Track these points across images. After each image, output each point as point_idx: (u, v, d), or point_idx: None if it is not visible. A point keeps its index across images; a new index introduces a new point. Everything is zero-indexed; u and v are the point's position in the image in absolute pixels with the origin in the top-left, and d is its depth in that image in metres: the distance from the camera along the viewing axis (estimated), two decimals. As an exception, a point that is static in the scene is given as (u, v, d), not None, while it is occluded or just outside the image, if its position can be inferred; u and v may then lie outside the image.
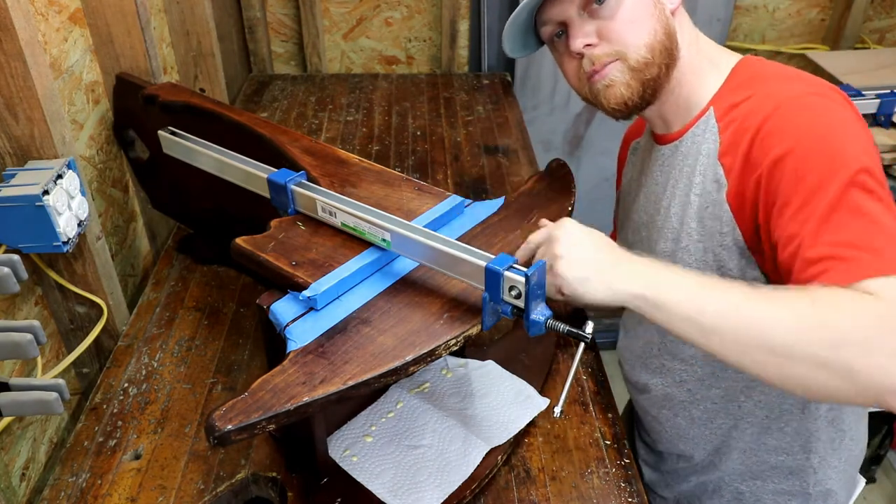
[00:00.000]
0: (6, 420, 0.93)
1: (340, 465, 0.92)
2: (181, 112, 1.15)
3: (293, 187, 0.93)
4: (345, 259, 0.86)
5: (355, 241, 0.89)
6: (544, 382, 1.07)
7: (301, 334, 0.77)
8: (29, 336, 0.78)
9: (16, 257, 0.80)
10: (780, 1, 2.28)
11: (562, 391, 0.84)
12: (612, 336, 1.23)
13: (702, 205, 0.88)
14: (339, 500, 0.89)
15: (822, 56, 2.18)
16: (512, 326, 1.16)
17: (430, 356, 0.75)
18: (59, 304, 1.10)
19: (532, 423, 1.00)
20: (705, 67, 0.91)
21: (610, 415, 1.03)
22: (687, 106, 0.92)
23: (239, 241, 0.88)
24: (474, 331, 0.77)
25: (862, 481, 1.10)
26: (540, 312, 0.73)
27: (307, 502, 0.89)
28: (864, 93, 1.80)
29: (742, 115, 0.84)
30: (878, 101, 1.78)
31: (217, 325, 1.19)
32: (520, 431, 0.97)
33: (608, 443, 0.98)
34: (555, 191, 1.04)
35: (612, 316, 1.27)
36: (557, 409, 0.83)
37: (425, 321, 0.78)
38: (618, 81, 0.87)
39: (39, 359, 1.01)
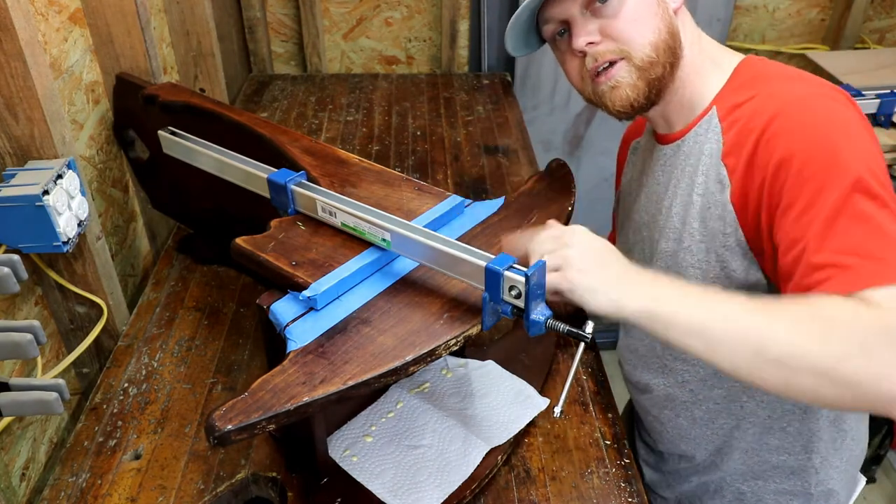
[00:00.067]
0: (6, 420, 0.93)
1: (340, 465, 0.92)
2: (181, 112, 1.15)
3: (293, 187, 0.93)
4: (345, 259, 0.86)
5: (355, 241, 0.89)
6: (544, 382, 1.07)
7: (301, 334, 0.77)
8: (29, 336, 0.78)
9: (16, 257, 0.80)
10: (780, 1, 2.28)
11: (562, 391, 0.84)
12: (612, 336, 1.23)
13: (704, 205, 0.88)
14: (339, 500, 0.88)
15: (822, 56, 2.17)
16: (512, 326, 1.16)
17: (430, 356, 0.75)
18: (59, 304, 1.10)
19: (532, 423, 1.00)
20: (708, 67, 0.91)
21: (610, 415, 1.03)
22: (690, 105, 0.92)
23: (239, 241, 0.88)
24: (474, 331, 0.77)
25: (862, 480, 1.10)
26: (540, 312, 0.73)
27: (307, 502, 0.89)
28: (864, 93, 1.81)
29: (746, 116, 0.84)
30: (878, 101, 1.78)
31: (217, 325, 1.19)
32: (520, 431, 0.97)
33: (608, 443, 0.98)
34: (555, 191, 1.04)
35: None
36: (557, 409, 0.83)
37: (425, 321, 0.78)
38: (624, 83, 0.87)
39: (39, 359, 1.01)
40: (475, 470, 0.91)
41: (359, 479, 0.90)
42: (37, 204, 0.90)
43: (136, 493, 0.91)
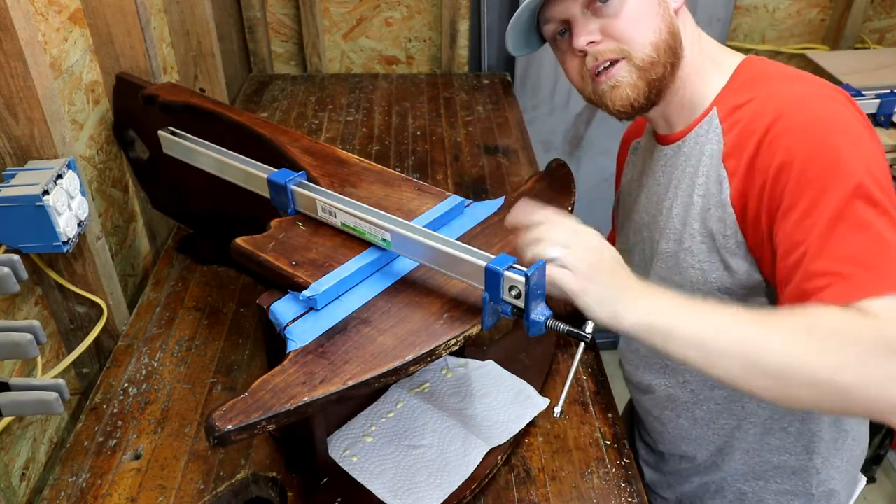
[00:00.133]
0: (6, 420, 0.93)
1: (340, 465, 0.92)
2: (181, 112, 1.15)
3: (293, 187, 0.93)
4: (345, 259, 0.86)
5: (355, 241, 0.89)
6: (544, 382, 1.07)
7: (301, 334, 0.77)
8: (29, 336, 0.78)
9: (16, 257, 0.80)
10: (780, 1, 2.28)
11: (562, 391, 0.84)
12: (612, 336, 1.22)
13: (704, 206, 0.88)
14: (339, 500, 0.88)
15: (822, 56, 2.17)
16: (512, 326, 1.16)
17: (430, 356, 0.75)
18: (59, 304, 1.10)
19: (532, 423, 1.00)
20: (708, 67, 0.91)
21: (610, 415, 1.03)
22: (690, 106, 0.92)
23: (239, 241, 0.88)
24: (474, 331, 0.77)
25: (863, 480, 1.10)
26: (540, 312, 0.73)
27: (307, 502, 0.89)
28: (864, 93, 1.80)
29: (747, 117, 0.84)
30: (878, 101, 1.78)
31: (217, 325, 1.19)
32: (520, 431, 0.97)
33: (608, 443, 0.98)
34: (555, 191, 1.04)
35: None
36: (557, 409, 0.83)
37: (425, 321, 0.78)
38: (624, 83, 0.87)
39: (39, 359, 1.01)
40: (475, 470, 0.91)
41: (359, 479, 0.90)
42: (37, 204, 0.90)
43: (136, 493, 0.91)
